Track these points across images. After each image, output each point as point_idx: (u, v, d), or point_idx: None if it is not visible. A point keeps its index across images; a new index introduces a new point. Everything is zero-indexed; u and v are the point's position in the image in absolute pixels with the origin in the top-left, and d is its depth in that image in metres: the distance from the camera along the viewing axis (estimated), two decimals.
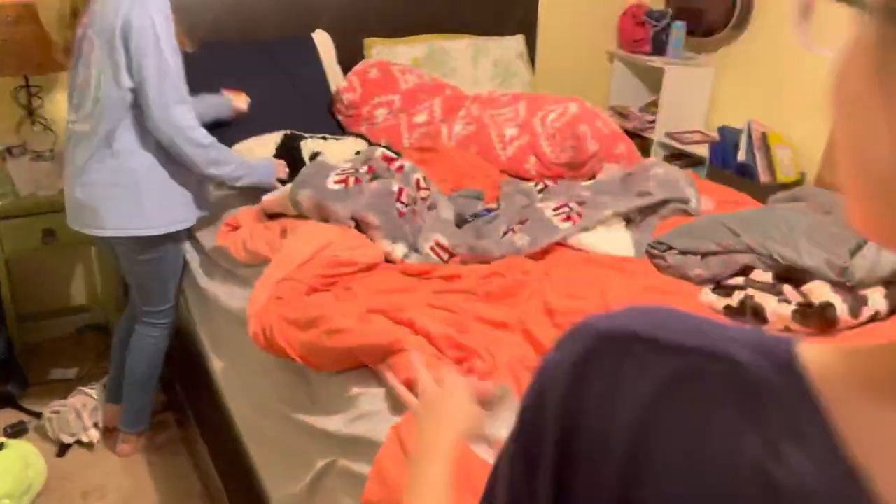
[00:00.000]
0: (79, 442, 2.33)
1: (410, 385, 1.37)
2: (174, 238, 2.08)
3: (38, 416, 2.44)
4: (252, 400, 1.83)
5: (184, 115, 1.84)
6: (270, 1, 2.79)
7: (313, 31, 2.86)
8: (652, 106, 3.46)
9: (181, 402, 2.49)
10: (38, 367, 2.68)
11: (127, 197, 1.91)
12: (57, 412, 2.33)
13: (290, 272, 1.70)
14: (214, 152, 1.94)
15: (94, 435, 2.33)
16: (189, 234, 2.18)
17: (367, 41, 2.98)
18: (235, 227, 2.06)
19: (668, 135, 3.30)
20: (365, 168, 1.98)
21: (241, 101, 2.36)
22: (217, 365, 2.00)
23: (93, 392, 2.37)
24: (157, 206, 1.95)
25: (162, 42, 1.76)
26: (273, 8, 2.79)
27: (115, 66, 1.79)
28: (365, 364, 1.48)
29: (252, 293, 1.69)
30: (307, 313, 1.56)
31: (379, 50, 2.95)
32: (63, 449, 2.32)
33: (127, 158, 1.88)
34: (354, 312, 1.55)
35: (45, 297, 2.85)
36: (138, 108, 1.83)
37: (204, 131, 1.92)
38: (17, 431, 2.37)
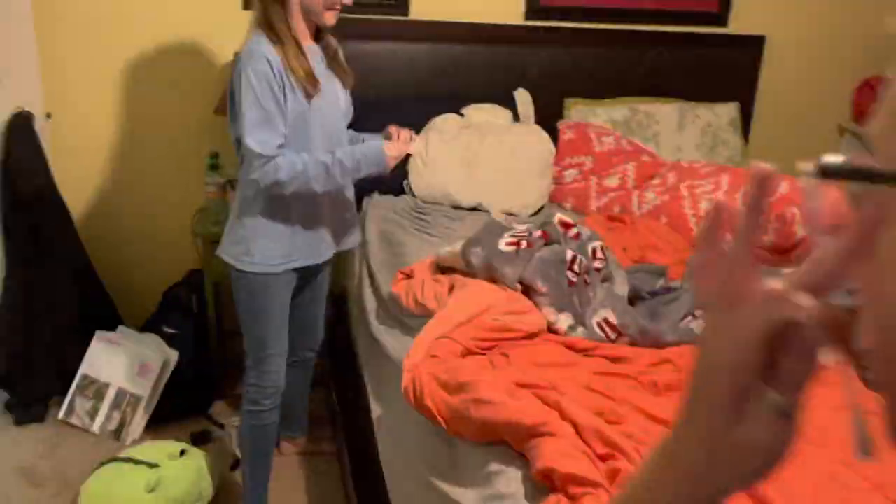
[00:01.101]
0: None
1: (547, 475, 1.29)
2: (249, 278, 1.96)
3: (223, 426, 2.65)
4: (400, 453, 1.83)
5: (259, 144, 1.78)
6: (480, 60, 2.87)
7: (516, 89, 2.90)
8: None
9: (339, 434, 2.58)
10: (232, 381, 2.92)
11: (230, 223, 2.00)
12: (237, 426, 2.51)
13: (449, 331, 1.69)
14: (273, 168, 1.81)
15: None
16: (283, 284, 2.01)
17: (568, 101, 2.96)
18: (409, 276, 2.10)
19: None
20: (539, 232, 1.93)
21: (402, 143, 1.99)
22: (376, 410, 2.03)
23: None
24: (240, 239, 1.94)
25: (248, 91, 1.77)
26: (482, 67, 2.87)
27: None
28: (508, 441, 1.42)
29: (411, 347, 1.69)
30: (457, 377, 1.53)
31: (578, 110, 2.91)
32: (236, 463, 2.49)
33: (241, 188, 1.97)
34: (504, 383, 1.49)
35: None
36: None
37: (269, 155, 1.80)
38: (201, 439, 2.58)
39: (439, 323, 1.73)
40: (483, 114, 2.71)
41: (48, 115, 2.62)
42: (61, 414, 2.67)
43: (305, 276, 2.10)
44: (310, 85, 1.82)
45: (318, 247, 2.02)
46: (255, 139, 1.78)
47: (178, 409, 2.72)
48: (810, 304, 0.38)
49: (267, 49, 1.78)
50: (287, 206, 1.92)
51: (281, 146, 1.83)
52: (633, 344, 1.76)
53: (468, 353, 1.67)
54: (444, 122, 2.70)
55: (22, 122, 2.52)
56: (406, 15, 2.86)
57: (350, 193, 2.11)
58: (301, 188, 1.85)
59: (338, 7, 1.84)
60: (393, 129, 2.03)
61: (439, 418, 1.53)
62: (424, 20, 2.85)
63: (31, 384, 2.70)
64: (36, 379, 2.70)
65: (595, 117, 2.86)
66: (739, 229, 0.41)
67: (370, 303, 2.29)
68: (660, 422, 1.44)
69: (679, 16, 3.07)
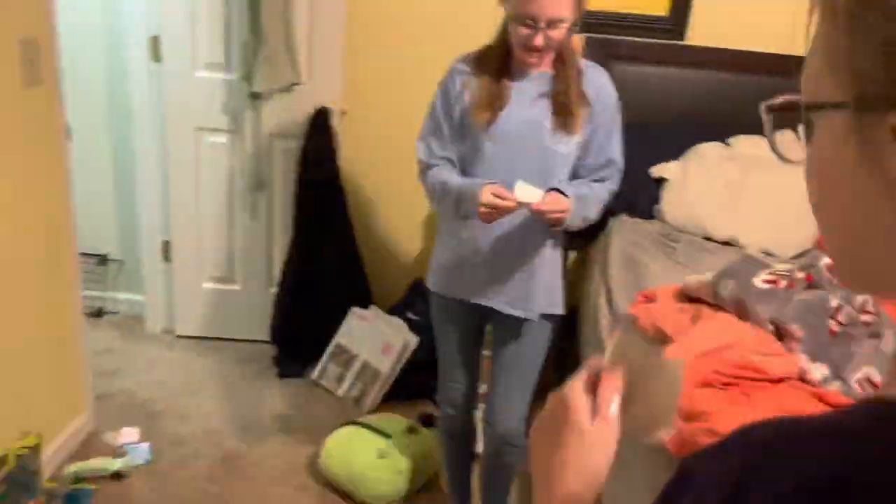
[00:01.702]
0: None
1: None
2: (430, 292, 1.98)
3: None
4: (623, 477, 1.82)
5: (421, 150, 1.85)
6: (752, 89, 2.75)
7: None
8: None
9: None
10: None
11: None
12: None
13: (690, 360, 1.65)
14: (427, 178, 1.84)
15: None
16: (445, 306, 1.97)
17: None
18: (650, 300, 2.08)
19: None
20: (802, 274, 1.81)
21: (525, 193, 1.64)
22: None
23: None
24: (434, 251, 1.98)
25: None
26: (753, 96, 2.74)
27: None
28: None
29: None
30: (694, 404, 1.50)
31: None
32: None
33: None
34: (743, 422, 1.43)
35: None
36: None
37: (426, 162, 1.83)
38: (427, 422, 2.77)
39: (681, 349, 1.70)
40: (751, 146, 2.59)
41: (343, 112, 2.99)
42: (315, 374, 3.03)
43: (497, 327, 1.95)
44: (477, 113, 1.72)
45: (467, 284, 1.86)
46: (420, 145, 1.84)
47: (410, 389, 2.95)
48: None
49: (462, 66, 1.79)
50: (452, 227, 1.86)
51: (443, 158, 1.81)
52: None
53: (706, 384, 1.62)
54: (707, 151, 2.63)
55: (321, 117, 2.91)
56: (682, 39, 2.82)
57: (535, 251, 1.83)
58: (437, 206, 1.86)
59: (532, 49, 1.65)
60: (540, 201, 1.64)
61: (670, 447, 1.51)
62: (699, 46, 2.80)
63: (297, 345, 3.10)
64: (301, 341, 3.10)
65: None
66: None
67: (605, 318, 2.30)
68: None
69: None
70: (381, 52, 3.02)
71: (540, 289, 1.85)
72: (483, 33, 2.93)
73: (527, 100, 1.72)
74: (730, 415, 1.47)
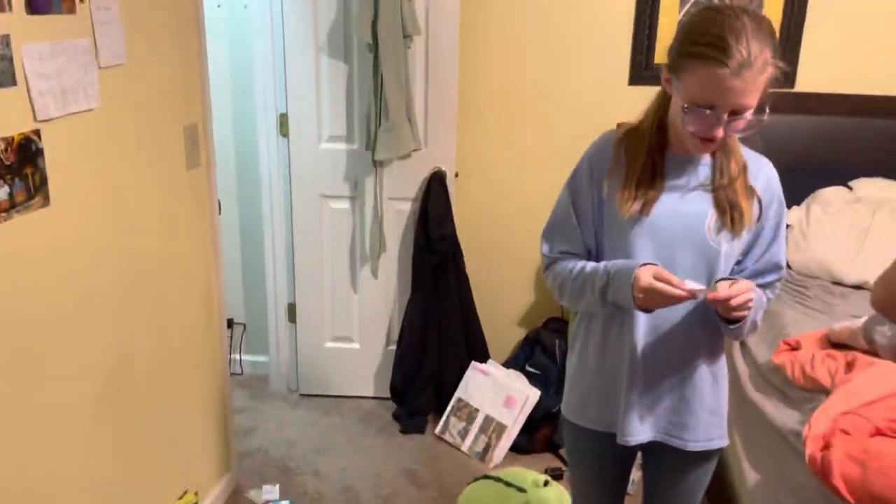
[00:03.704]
0: None
1: None
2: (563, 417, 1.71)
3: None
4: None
5: (542, 245, 1.62)
6: (870, 132, 2.76)
7: None
8: None
9: None
10: None
11: None
12: None
13: (856, 407, 1.66)
14: (553, 273, 1.59)
15: None
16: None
17: None
18: (794, 348, 2.09)
19: None
20: None
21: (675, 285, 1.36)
22: (750, 476, 2.03)
23: None
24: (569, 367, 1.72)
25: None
26: (872, 139, 2.76)
27: None
28: None
29: (812, 418, 1.69)
30: (872, 456, 1.50)
31: None
32: None
33: None
34: None
35: None
36: None
37: (550, 257, 1.59)
38: (555, 475, 2.79)
39: (844, 398, 1.70)
40: (874, 188, 2.58)
41: (456, 174, 3.12)
42: (437, 429, 3.09)
43: (650, 461, 1.67)
44: (625, 204, 1.46)
45: (612, 414, 1.56)
46: (543, 241, 1.60)
47: (533, 443, 2.98)
48: None
49: (606, 143, 1.52)
50: (593, 342, 1.58)
51: (566, 253, 1.56)
52: None
53: (878, 433, 1.61)
54: (830, 195, 2.63)
55: (437, 179, 3.05)
56: (792, 87, 2.86)
57: (702, 381, 1.54)
58: (574, 299, 1.55)
59: (708, 138, 1.38)
60: (722, 287, 1.38)
61: (846, 494, 1.51)
62: (811, 92, 2.83)
63: (417, 400, 3.18)
64: (421, 396, 3.18)
65: None
66: None
67: (742, 368, 2.30)
68: None
69: None
70: (488, 119, 3.16)
71: (704, 414, 1.55)
72: (587, 98, 3.05)
73: (683, 190, 1.47)
74: None
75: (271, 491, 2.71)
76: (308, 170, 3.10)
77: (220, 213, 2.50)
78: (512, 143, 3.19)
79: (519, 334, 3.37)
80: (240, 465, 2.83)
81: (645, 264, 1.40)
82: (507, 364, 3.22)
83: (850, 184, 2.67)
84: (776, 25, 2.84)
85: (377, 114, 2.88)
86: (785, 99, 2.87)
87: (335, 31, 2.93)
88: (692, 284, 1.36)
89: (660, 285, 1.35)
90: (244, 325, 3.56)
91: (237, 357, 3.58)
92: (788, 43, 2.85)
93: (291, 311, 3.34)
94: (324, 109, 3.03)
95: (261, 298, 3.42)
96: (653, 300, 1.38)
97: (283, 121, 3.08)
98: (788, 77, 2.86)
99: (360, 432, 3.14)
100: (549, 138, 3.13)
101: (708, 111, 1.33)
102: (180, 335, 2.30)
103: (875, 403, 1.66)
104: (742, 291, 1.35)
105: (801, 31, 2.86)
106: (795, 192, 2.72)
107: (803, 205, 2.67)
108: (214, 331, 2.53)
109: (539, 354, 3.15)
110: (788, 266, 2.65)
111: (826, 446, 1.59)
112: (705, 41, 1.31)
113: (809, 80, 2.87)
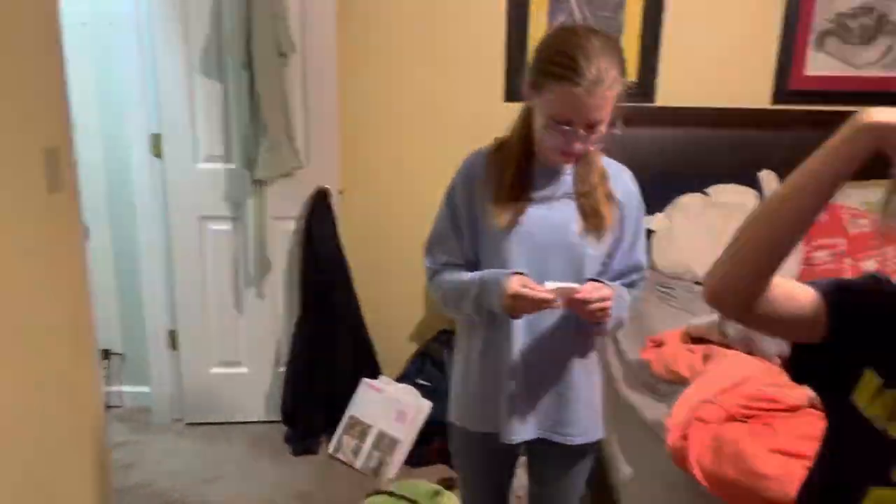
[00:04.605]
0: None
1: None
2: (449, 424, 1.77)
3: None
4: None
5: (427, 257, 1.69)
6: (725, 142, 2.98)
7: (760, 170, 2.95)
8: None
9: None
10: None
11: None
12: None
13: (711, 396, 1.78)
14: (436, 284, 1.66)
15: None
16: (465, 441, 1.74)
17: None
18: (659, 345, 2.22)
19: None
20: None
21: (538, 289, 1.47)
22: (625, 470, 2.14)
23: None
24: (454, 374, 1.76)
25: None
26: (726, 149, 2.97)
27: None
28: None
29: (673, 408, 1.80)
30: (724, 441, 1.61)
31: None
32: None
33: None
34: (767, 448, 1.55)
35: None
36: None
37: (433, 268, 1.66)
38: (448, 486, 2.82)
39: (701, 388, 1.83)
40: (728, 194, 2.79)
41: (341, 192, 3.13)
42: (330, 449, 3.06)
43: (534, 459, 1.75)
44: (497, 215, 1.53)
45: (495, 414, 1.62)
46: (426, 251, 1.67)
47: (427, 455, 3.00)
48: None
49: (477, 158, 1.60)
50: (476, 348, 1.64)
51: (449, 264, 1.62)
52: None
53: (730, 418, 1.74)
54: (689, 201, 2.82)
55: (321, 196, 3.04)
56: (652, 102, 3.06)
57: (573, 365, 1.62)
58: (454, 308, 1.62)
59: (569, 154, 1.48)
60: (588, 287, 1.49)
61: (700, 479, 1.62)
62: (670, 106, 3.03)
63: (308, 421, 3.14)
64: (313, 417, 3.14)
65: (847, 199, 2.81)
66: None
67: (616, 366, 2.42)
68: None
69: None
70: (372, 135, 3.19)
71: (582, 409, 1.63)
72: (466, 114, 3.14)
73: (551, 199, 1.56)
74: (759, 446, 1.59)
75: None
76: (185, 191, 3.01)
77: (87, 238, 2.39)
78: (397, 158, 3.23)
79: (412, 348, 3.40)
80: (120, 502, 2.69)
81: (515, 272, 1.49)
82: (400, 379, 3.23)
83: (707, 190, 2.88)
84: (635, 43, 3.03)
85: (255, 132, 2.84)
86: (645, 113, 3.10)
87: (208, 49, 2.88)
88: (552, 284, 1.46)
89: (524, 290, 1.45)
90: (122, 356, 3.40)
91: (116, 389, 3.41)
92: (647, 60, 3.04)
93: (173, 337, 3.22)
94: (199, 129, 2.96)
95: (139, 327, 3.28)
96: (522, 307, 1.48)
97: (156, 141, 2.98)
98: (648, 93, 3.05)
99: (251, 458, 3.06)
100: (432, 152, 3.19)
101: (566, 127, 1.43)
102: (45, 369, 2.17)
103: (728, 391, 1.79)
104: (597, 292, 1.47)
105: (657, 49, 3.06)
106: (659, 199, 2.91)
107: (666, 211, 2.84)
108: (85, 362, 2.40)
109: (429, 367, 3.18)
110: (656, 268, 2.81)
111: (685, 435, 1.70)
112: (559, 61, 1.40)
113: (668, 94, 3.07)
